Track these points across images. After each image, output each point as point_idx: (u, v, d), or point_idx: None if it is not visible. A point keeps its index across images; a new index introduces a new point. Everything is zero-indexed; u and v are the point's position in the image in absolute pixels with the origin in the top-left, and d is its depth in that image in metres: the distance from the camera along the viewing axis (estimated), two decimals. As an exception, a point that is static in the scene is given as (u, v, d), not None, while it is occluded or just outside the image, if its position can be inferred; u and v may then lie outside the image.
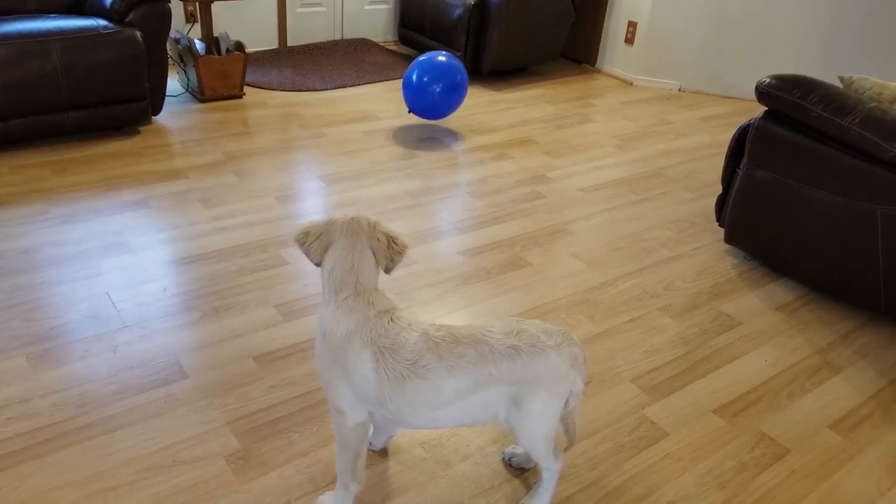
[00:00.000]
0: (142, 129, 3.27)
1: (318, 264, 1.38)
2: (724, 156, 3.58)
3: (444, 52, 3.41)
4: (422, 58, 3.38)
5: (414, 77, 3.34)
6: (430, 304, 2.20)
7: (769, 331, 2.22)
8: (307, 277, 2.27)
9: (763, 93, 2.25)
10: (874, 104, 2.11)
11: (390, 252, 1.37)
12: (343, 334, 1.30)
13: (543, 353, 1.32)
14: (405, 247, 1.40)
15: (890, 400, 1.95)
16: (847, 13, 4.15)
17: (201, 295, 2.14)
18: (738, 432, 1.79)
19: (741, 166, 2.47)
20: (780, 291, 2.43)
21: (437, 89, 3.31)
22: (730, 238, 2.59)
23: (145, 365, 1.84)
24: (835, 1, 4.14)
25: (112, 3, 2.99)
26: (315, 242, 1.35)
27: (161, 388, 1.76)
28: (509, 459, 1.65)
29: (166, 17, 3.15)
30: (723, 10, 4.33)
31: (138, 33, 3.00)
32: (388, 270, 1.39)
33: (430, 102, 3.35)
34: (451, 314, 2.16)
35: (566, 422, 1.48)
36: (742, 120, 4.12)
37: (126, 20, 3.02)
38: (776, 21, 4.27)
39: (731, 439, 1.77)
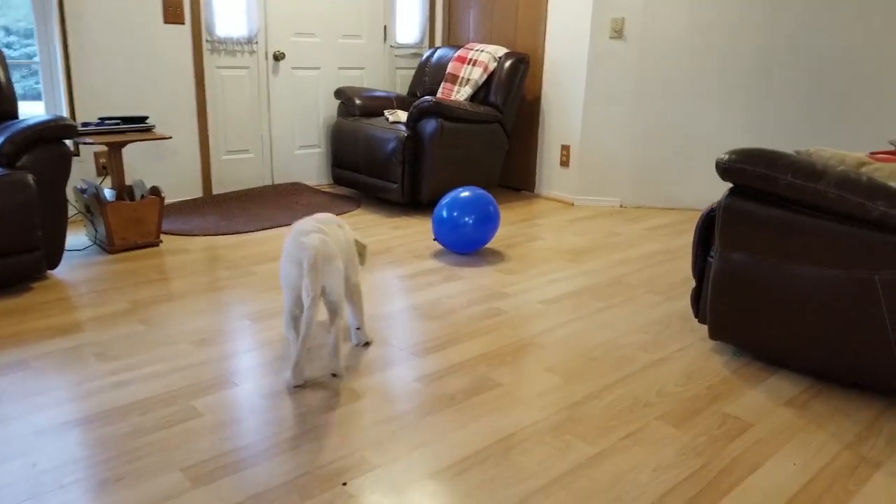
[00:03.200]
0: (35, 284, 2.88)
1: None
2: (680, 261, 3.43)
3: (467, 188, 3.36)
4: (445, 199, 3.34)
5: (444, 213, 3.30)
6: (385, 444, 1.80)
7: (786, 429, 1.90)
8: (227, 429, 1.85)
9: (726, 168, 2.09)
10: (842, 167, 1.97)
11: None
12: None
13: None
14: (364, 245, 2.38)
15: (951, 495, 1.62)
16: (767, 121, 4.26)
17: (84, 467, 1.68)
18: (793, 558, 1.42)
19: (712, 253, 2.27)
20: (783, 385, 2.15)
21: (470, 222, 3.26)
22: (715, 333, 2.33)
23: (10, 563, 1.36)
24: (755, 109, 4.26)
25: (1, 146, 2.70)
26: None
27: None
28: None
29: (65, 160, 2.85)
30: (649, 127, 4.39)
31: (30, 177, 2.69)
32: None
33: (464, 235, 3.30)
34: (412, 453, 1.76)
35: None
36: (688, 227, 4.04)
37: (18, 164, 2.73)
38: (701, 131, 4.35)
39: (787, 568, 1.39)
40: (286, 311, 2.05)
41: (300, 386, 2.08)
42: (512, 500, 1.58)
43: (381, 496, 1.59)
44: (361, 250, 2.36)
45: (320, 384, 2.09)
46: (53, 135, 2.79)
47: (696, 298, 2.45)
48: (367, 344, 2.38)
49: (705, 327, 2.59)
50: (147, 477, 1.64)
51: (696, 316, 2.45)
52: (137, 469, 1.67)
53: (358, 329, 2.38)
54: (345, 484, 1.63)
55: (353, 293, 2.32)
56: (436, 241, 3.46)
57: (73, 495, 1.57)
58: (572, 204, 4.58)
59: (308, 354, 2.19)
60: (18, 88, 3.32)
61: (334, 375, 2.14)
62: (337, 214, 4.11)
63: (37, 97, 3.90)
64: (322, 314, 2.40)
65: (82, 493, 1.58)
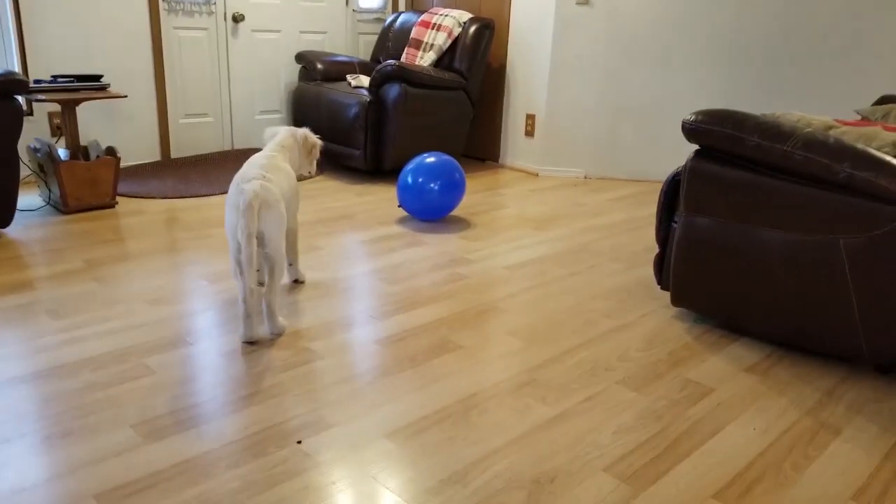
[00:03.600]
0: (-17, 243, 2.75)
1: None
2: (644, 230, 3.42)
3: (432, 153, 3.27)
4: (410, 165, 3.24)
5: (409, 179, 3.20)
6: (342, 403, 1.74)
7: (747, 395, 1.89)
8: (180, 387, 1.77)
9: (693, 129, 2.06)
10: (809, 129, 1.94)
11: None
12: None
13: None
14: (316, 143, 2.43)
15: (906, 455, 1.63)
16: (735, 91, 4.25)
17: (31, 421, 1.59)
18: (752, 517, 1.40)
19: (677, 217, 2.24)
20: (744, 352, 2.14)
21: (436, 188, 3.18)
22: (677, 300, 2.31)
23: (-68, 527, 1.27)
24: (722, 79, 4.25)
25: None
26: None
27: (-52, 559, 1.20)
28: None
29: (16, 115, 2.73)
30: (614, 99, 4.35)
31: (-22, 132, 2.56)
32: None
33: (429, 202, 3.21)
34: (370, 413, 1.70)
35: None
36: (652, 198, 4.03)
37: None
38: (665, 104, 4.33)
39: (746, 527, 1.37)
40: (232, 257, 2.00)
41: (252, 342, 2.03)
42: (470, 460, 1.54)
43: (337, 454, 1.53)
44: (311, 148, 2.39)
45: (277, 345, 2.02)
46: (3, 90, 2.67)
47: (660, 265, 2.42)
48: (297, 281, 2.46)
49: (668, 294, 2.57)
50: (96, 432, 1.56)
51: (659, 283, 2.43)
52: (87, 425, 1.59)
53: (290, 265, 2.43)
54: (300, 442, 1.57)
55: (289, 234, 2.34)
56: (400, 208, 3.38)
57: (17, 449, 1.49)
58: (537, 174, 4.53)
59: (259, 317, 2.11)
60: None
61: (278, 334, 2.09)
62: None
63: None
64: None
65: (28, 447, 1.50)
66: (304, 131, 2.39)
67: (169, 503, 1.34)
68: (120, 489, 1.38)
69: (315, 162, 2.45)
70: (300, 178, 4.04)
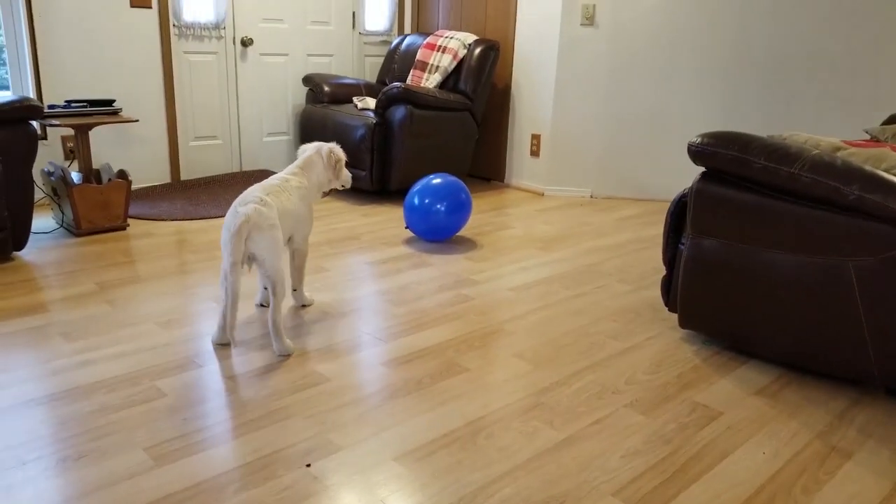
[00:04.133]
0: (1, 266, 2.76)
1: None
2: (651, 251, 3.41)
3: (438, 175, 3.29)
4: (416, 186, 3.26)
5: (416, 200, 3.22)
6: (350, 426, 1.73)
7: (756, 418, 1.88)
8: (191, 410, 1.77)
9: (698, 152, 2.06)
10: (817, 151, 1.94)
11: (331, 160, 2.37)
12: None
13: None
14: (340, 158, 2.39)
15: (920, 481, 1.61)
16: (740, 111, 4.27)
17: (47, 444, 1.60)
18: (764, 544, 1.38)
19: (684, 239, 2.24)
20: (754, 374, 2.12)
21: (442, 209, 3.19)
22: (685, 322, 2.29)
23: (-62, 554, 1.27)
24: (727, 99, 4.26)
25: (-34, 127, 2.60)
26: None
27: (-47, 586, 1.19)
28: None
29: (31, 140, 2.77)
30: (619, 118, 4.37)
31: (-4, 157, 2.60)
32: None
33: (436, 223, 3.22)
34: (378, 436, 1.70)
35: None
36: (659, 218, 4.03)
37: (-18, 145, 2.63)
38: (672, 120, 4.34)
39: (758, 555, 1.35)
40: (222, 269, 2.06)
41: (224, 344, 2.15)
42: (479, 484, 1.52)
43: (346, 477, 1.53)
44: (335, 163, 2.35)
45: (284, 367, 2.01)
46: (19, 115, 2.72)
47: (667, 286, 2.41)
48: (304, 306, 2.47)
49: (675, 316, 2.56)
50: (110, 455, 1.57)
51: (667, 304, 2.42)
52: (100, 447, 1.60)
53: (294, 290, 2.44)
54: (309, 465, 1.56)
55: (296, 256, 2.37)
56: (408, 230, 3.39)
57: (33, 472, 1.50)
58: (542, 194, 4.54)
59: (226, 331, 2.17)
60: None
61: (286, 356, 2.09)
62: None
63: (6, 87, 3.76)
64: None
65: (43, 470, 1.51)
66: (330, 146, 2.37)
67: (175, 530, 1.34)
68: (126, 515, 1.37)
69: (344, 174, 2.41)
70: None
